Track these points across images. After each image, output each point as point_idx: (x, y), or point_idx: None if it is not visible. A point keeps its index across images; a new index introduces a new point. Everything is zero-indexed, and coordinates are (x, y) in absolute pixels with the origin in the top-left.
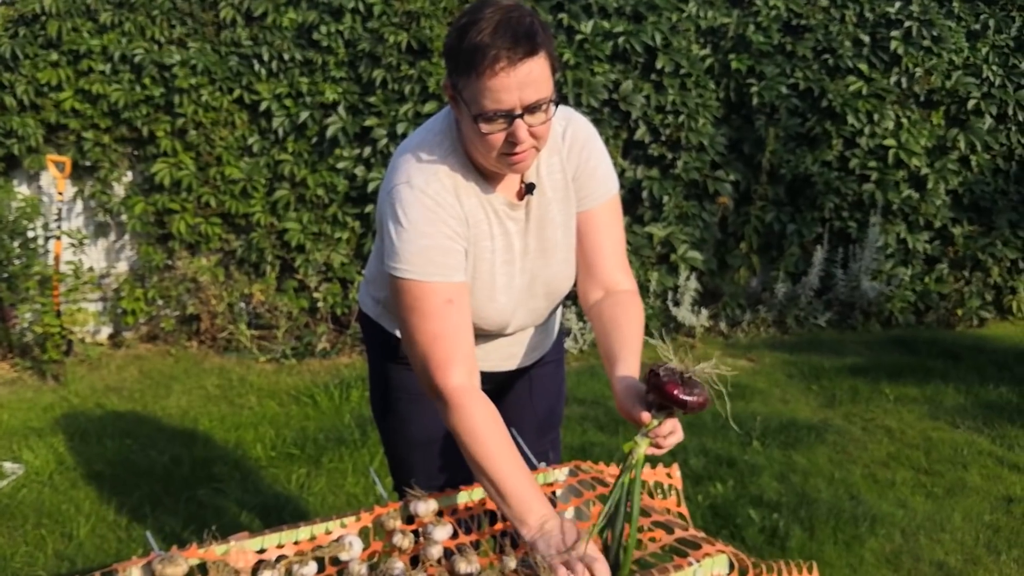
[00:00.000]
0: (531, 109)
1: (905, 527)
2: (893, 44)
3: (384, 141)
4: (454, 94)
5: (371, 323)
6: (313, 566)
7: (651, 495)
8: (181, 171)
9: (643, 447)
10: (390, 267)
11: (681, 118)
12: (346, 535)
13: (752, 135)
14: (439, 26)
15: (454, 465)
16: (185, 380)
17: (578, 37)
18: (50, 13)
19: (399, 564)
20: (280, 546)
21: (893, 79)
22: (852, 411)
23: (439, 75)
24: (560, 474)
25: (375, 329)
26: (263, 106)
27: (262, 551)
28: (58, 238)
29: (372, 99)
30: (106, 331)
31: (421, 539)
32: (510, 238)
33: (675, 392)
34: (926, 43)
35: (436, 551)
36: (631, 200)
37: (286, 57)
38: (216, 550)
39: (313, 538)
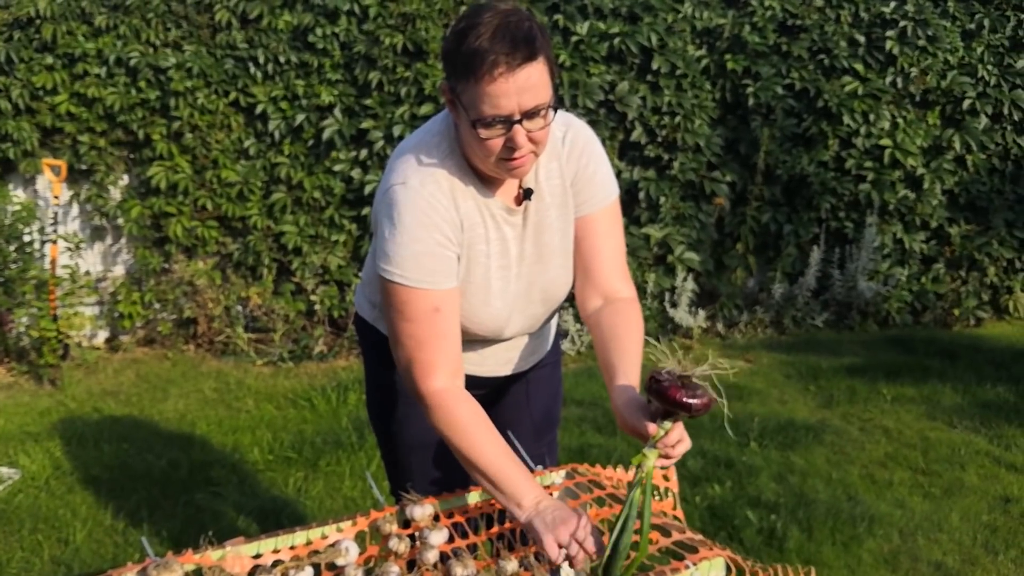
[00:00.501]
0: (530, 114)
1: (903, 527)
2: (888, 44)
3: (380, 143)
4: (452, 98)
5: (367, 327)
6: (309, 571)
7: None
8: (177, 174)
9: (652, 459)
10: (382, 268)
11: (677, 119)
12: (342, 540)
13: (748, 135)
14: (435, 28)
15: (451, 468)
16: (182, 384)
17: (574, 38)
18: (45, 16)
19: (395, 568)
20: (276, 551)
21: (889, 79)
22: (850, 411)
23: (435, 77)
24: (557, 477)
25: (371, 332)
26: (259, 109)
27: (258, 556)
28: (54, 242)
29: (368, 101)
30: (103, 335)
31: (418, 543)
32: (507, 243)
33: (679, 396)
34: (921, 43)
35: (432, 555)
36: (628, 201)
37: (282, 60)
38: (212, 555)
39: (309, 543)
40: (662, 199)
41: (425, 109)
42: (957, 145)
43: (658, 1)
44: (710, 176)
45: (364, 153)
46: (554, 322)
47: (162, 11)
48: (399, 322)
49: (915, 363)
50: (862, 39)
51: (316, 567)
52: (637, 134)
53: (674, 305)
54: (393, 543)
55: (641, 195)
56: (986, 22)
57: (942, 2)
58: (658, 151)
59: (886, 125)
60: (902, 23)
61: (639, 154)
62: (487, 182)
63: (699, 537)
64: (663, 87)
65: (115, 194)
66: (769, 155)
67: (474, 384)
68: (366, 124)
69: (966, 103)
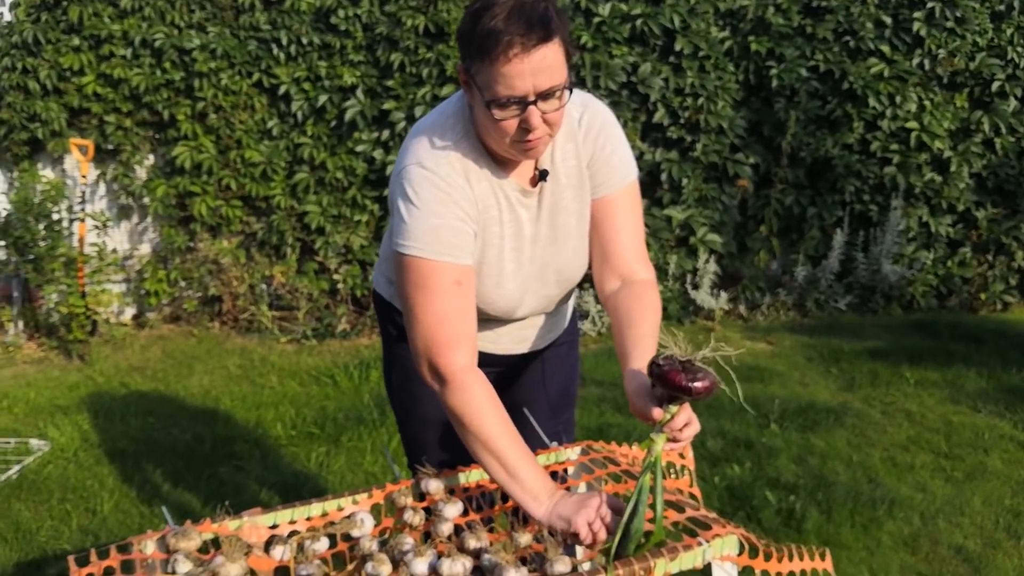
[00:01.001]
0: (545, 96)
1: (924, 511)
2: (916, 25)
3: (402, 124)
4: (467, 79)
5: (385, 304)
6: (325, 542)
7: (664, 475)
8: (202, 154)
9: (659, 444)
10: (399, 244)
11: (700, 101)
12: (358, 512)
13: (772, 118)
14: (456, 9)
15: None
16: (207, 360)
17: (596, 19)
18: None
19: (409, 540)
20: (292, 522)
21: (916, 61)
22: (872, 394)
23: (457, 58)
24: (572, 453)
25: (389, 310)
26: (282, 90)
27: (274, 527)
28: (82, 220)
29: (390, 82)
30: (130, 312)
31: (432, 516)
32: (520, 225)
33: (679, 380)
34: (949, 24)
35: (446, 528)
36: (650, 183)
37: (304, 41)
38: (229, 525)
39: (325, 514)
40: (684, 181)
41: (447, 90)
42: (985, 127)
43: None
44: (733, 158)
45: (386, 134)
46: (571, 301)
47: None
48: (418, 297)
49: (939, 347)
50: (888, 20)
51: (332, 538)
52: (659, 116)
53: (696, 287)
54: (408, 515)
55: (663, 177)
56: (1016, 3)
57: None
58: (681, 133)
59: (912, 107)
60: (930, 4)
61: (661, 136)
62: (502, 164)
63: (713, 515)
64: (686, 68)
65: (141, 174)
66: (793, 137)
67: (489, 362)
68: (388, 105)
69: (995, 85)
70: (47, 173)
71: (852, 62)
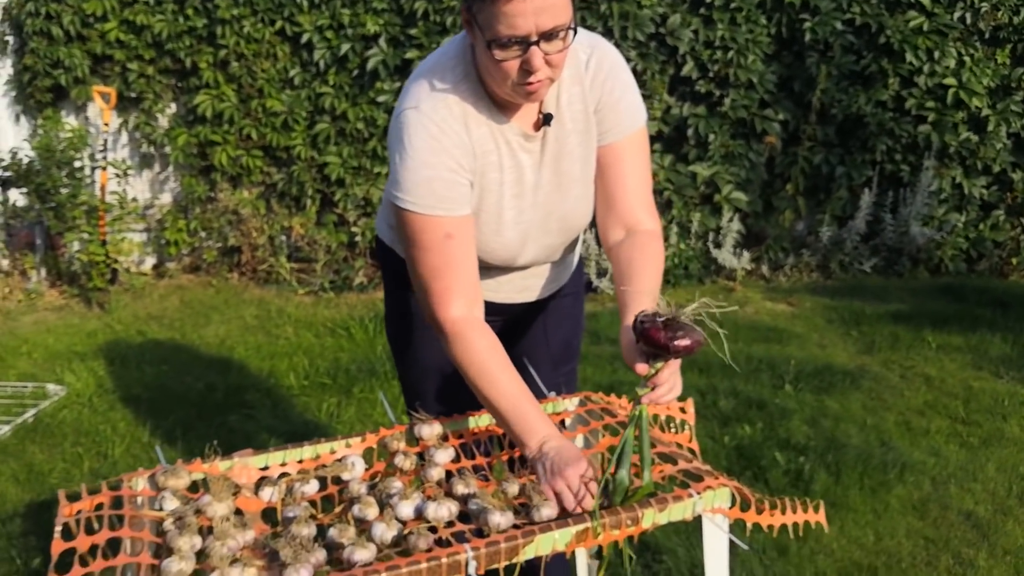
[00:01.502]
0: (547, 36)
1: (936, 476)
2: None
3: None
4: (469, 18)
5: (386, 249)
6: (314, 484)
7: (663, 429)
8: (223, 103)
9: (643, 398)
10: (393, 196)
11: (730, 54)
12: (349, 455)
13: (803, 73)
14: None
15: (464, 392)
16: (224, 310)
17: None
18: None
19: (398, 484)
20: (283, 464)
21: (957, 14)
22: (891, 358)
23: None
24: (570, 404)
25: (390, 255)
26: (304, 38)
27: (265, 468)
28: (104, 168)
29: (413, 31)
30: (150, 261)
31: (424, 462)
32: (522, 171)
33: (659, 337)
34: None
35: (436, 473)
36: (676, 138)
37: None
38: (220, 465)
39: (317, 457)
40: (711, 136)
41: None
42: None
43: None
44: (762, 114)
45: None
46: (577, 252)
47: None
48: (413, 251)
49: (965, 312)
50: None
51: (322, 481)
52: (688, 69)
53: (718, 246)
54: (399, 460)
55: (690, 132)
56: None
57: None
58: (709, 87)
59: (951, 63)
60: None
61: (689, 90)
62: (503, 107)
63: (706, 467)
64: (716, 21)
65: (162, 122)
66: (824, 93)
67: (490, 311)
68: (411, 54)
69: None
70: (70, 121)
71: (890, 15)
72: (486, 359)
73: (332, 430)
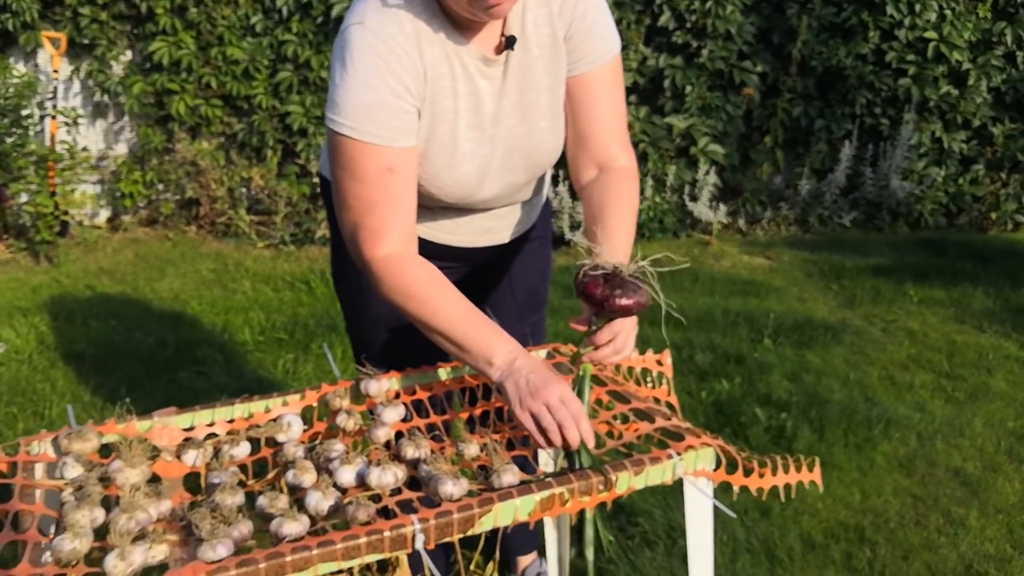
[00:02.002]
0: None
1: (921, 431)
2: None
3: None
4: None
5: (330, 186)
6: (245, 447)
7: (638, 383)
8: (181, 50)
9: (583, 359)
10: (330, 119)
11: (708, 4)
12: (286, 414)
13: (783, 24)
14: None
15: (421, 346)
16: (180, 264)
17: None
18: None
19: (339, 446)
20: (211, 424)
21: None
22: (872, 312)
23: None
24: (536, 356)
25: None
26: None
27: (190, 429)
28: (53, 117)
29: None
30: (104, 214)
31: (370, 421)
32: (480, 98)
33: (595, 292)
34: None
35: (383, 434)
36: (652, 89)
37: None
38: (137, 426)
39: (250, 416)
40: (688, 88)
41: None
42: (1008, 40)
43: None
44: (740, 66)
45: None
46: (544, 192)
47: None
48: (347, 182)
49: (946, 265)
50: None
51: (254, 442)
52: (665, 19)
53: (694, 199)
54: (342, 419)
55: (666, 83)
56: None
57: None
58: (686, 37)
59: (932, 17)
60: None
61: (666, 40)
62: (461, 27)
63: (686, 425)
64: None
65: (117, 70)
66: (804, 45)
67: (450, 256)
68: None
69: None
70: (19, 67)
71: None
72: (424, 286)
73: (288, 387)
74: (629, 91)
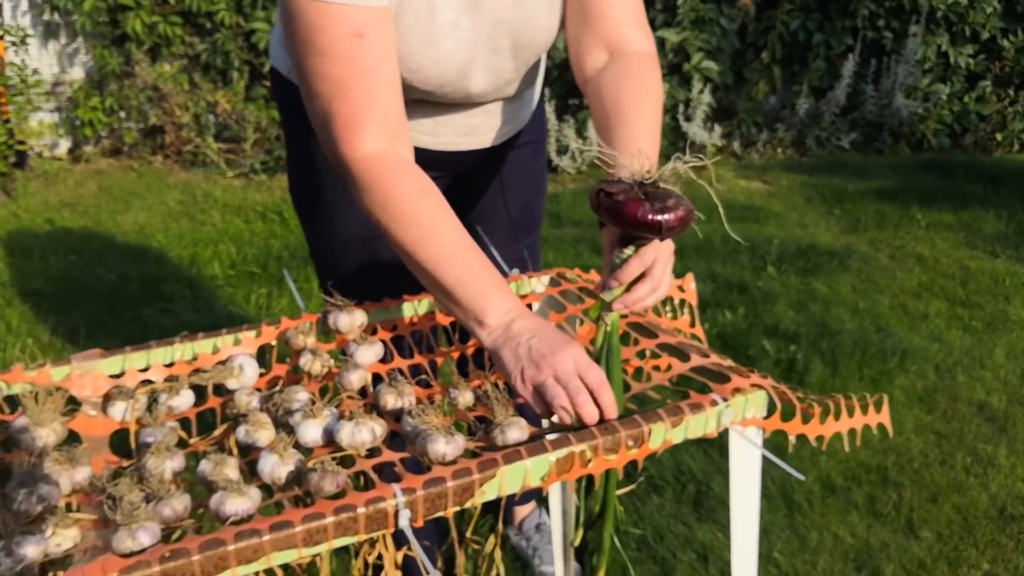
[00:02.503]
0: None
1: (940, 363)
2: None
3: None
4: None
5: (282, 82)
6: (187, 396)
7: (658, 313)
8: None
9: (611, 302)
10: None
11: None
12: (237, 356)
13: None
14: None
15: (401, 274)
16: (146, 196)
17: None
18: None
19: (303, 395)
20: (145, 369)
21: None
22: (879, 237)
23: None
24: (538, 284)
25: (288, 87)
26: None
27: (119, 376)
28: (1, 37)
29: None
30: (65, 145)
31: (340, 363)
32: None
33: (638, 212)
34: None
35: (357, 378)
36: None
37: None
38: (51, 373)
39: (194, 359)
40: (680, 0)
41: None
42: None
43: None
44: None
45: None
46: (537, 87)
47: None
48: (309, 60)
49: (953, 188)
50: None
51: (199, 390)
52: None
53: (688, 119)
54: (305, 361)
55: None
56: None
57: None
58: None
59: None
60: None
61: None
62: None
63: (729, 363)
64: None
65: None
66: None
67: (428, 163)
68: None
69: None
70: None
71: None
72: (412, 207)
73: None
74: None
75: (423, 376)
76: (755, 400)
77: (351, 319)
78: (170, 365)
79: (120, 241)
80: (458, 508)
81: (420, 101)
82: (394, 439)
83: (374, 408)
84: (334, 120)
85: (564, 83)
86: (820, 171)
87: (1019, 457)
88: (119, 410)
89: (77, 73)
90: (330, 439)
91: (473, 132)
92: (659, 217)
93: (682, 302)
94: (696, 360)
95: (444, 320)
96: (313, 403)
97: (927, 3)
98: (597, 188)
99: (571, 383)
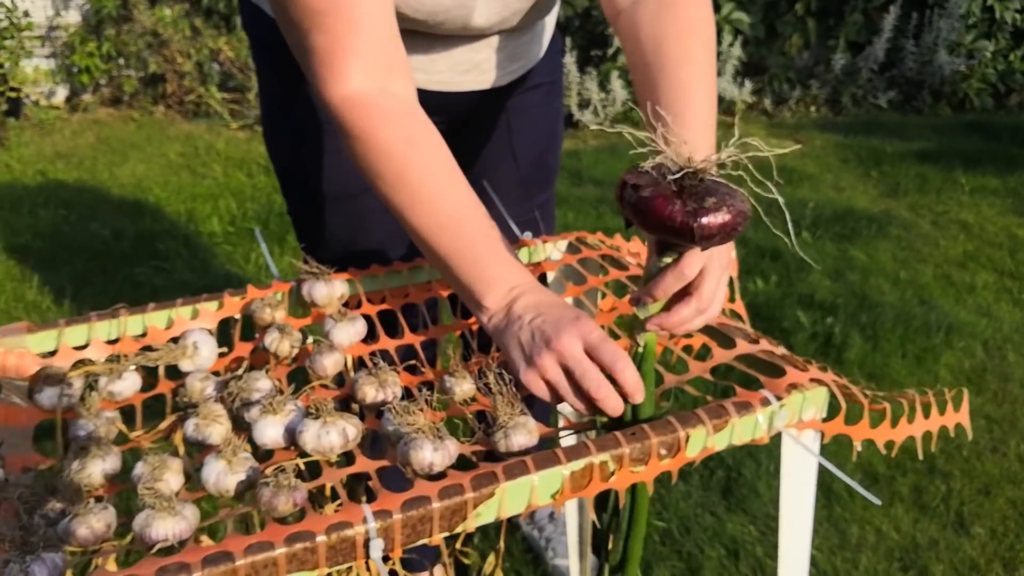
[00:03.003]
0: None
1: (988, 339)
2: None
3: None
4: None
5: (255, 12)
6: (132, 380)
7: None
8: None
9: (643, 320)
10: None
11: None
12: (192, 331)
13: None
14: None
15: (394, 236)
16: (145, 147)
17: None
18: None
19: (265, 383)
20: (83, 347)
21: None
22: (920, 202)
23: None
24: (554, 249)
25: (260, 22)
26: None
27: (51, 354)
28: None
29: None
30: (62, 93)
31: (314, 343)
32: None
33: (667, 211)
34: None
35: (332, 363)
36: None
37: None
38: None
39: (143, 335)
40: None
41: None
42: None
43: None
44: None
45: None
46: (551, 17)
47: None
48: None
49: (999, 151)
50: None
51: (152, 373)
52: None
53: (718, 74)
54: (271, 340)
55: None
56: None
57: None
58: None
59: None
60: None
61: None
62: None
63: (782, 350)
64: None
65: None
66: None
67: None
68: None
69: None
70: None
71: None
72: (401, 161)
73: (260, 285)
74: None
75: (416, 361)
76: (814, 399)
77: (329, 290)
78: (114, 342)
79: (115, 195)
80: (446, 535)
81: (411, 32)
82: (376, 442)
83: (352, 401)
84: (312, 56)
85: (586, 33)
86: (856, 131)
87: None
88: (48, 397)
89: (73, 17)
90: (293, 440)
91: (474, 69)
92: (692, 221)
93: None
94: (743, 347)
95: (444, 292)
96: (278, 393)
97: None
98: (623, 179)
99: (581, 366)
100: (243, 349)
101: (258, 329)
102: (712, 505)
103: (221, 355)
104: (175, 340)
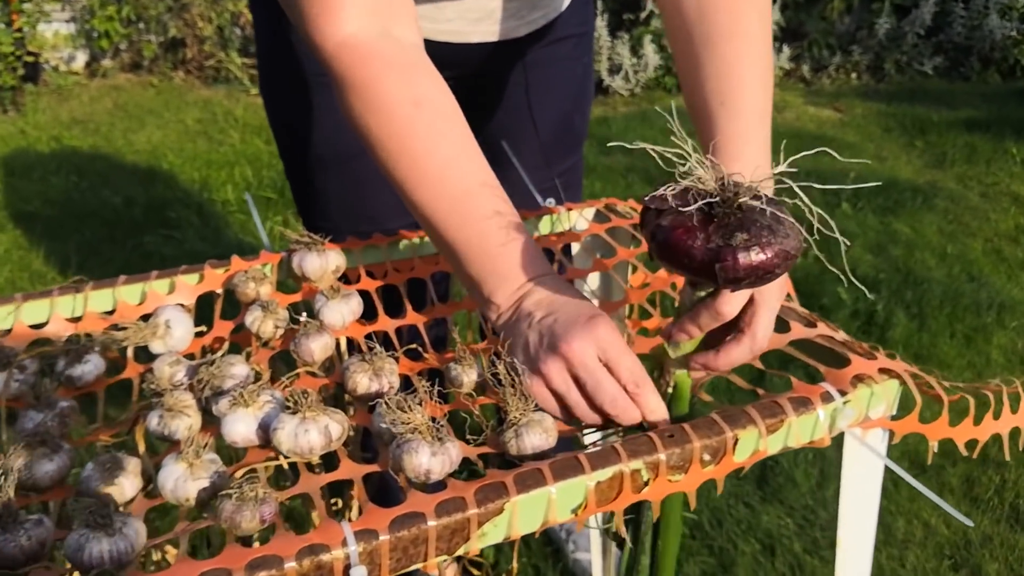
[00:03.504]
0: None
1: None
2: None
3: None
4: None
5: None
6: (94, 364)
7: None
8: None
9: (676, 361)
10: None
11: None
12: (166, 307)
13: None
14: None
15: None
16: (163, 113)
17: None
18: None
19: (240, 368)
20: (40, 326)
21: None
22: (968, 173)
23: None
24: (580, 218)
25: None
26: None
27: (6, 333)
28: None
29: None
30: (82, 58)
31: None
32: None
33: (688, 244)
34: None
35: (320, 346)
36: None
37: None
38: None
39: (111, 312)
40: None
41: None
42: None
43: None
44: None
45: None
46: None
47: None
48: None
49: None
50: None
51: (121, 353)
52: None
53: None
54: (252, 319)
55: None
56: None
57: None
58: None
59: None
60: None
61: None
62: None
63: (843, 336)
64: None
65: None
66: None
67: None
68: None
69: None
70: None
71: None
72: (403, 125)
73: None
74: None
75: (419, 345)
76: (884, 393)
77: (322, 261)
78: (78, 319)
79: (129, 161)
80: (444, 557)
81: None
82: (369, 440)
83: (339, 391)
84: (304, 2)
85: None
86: (899, 99)
87: None
88: None
89: None
90: (267, 439)
91: (487, 18)
92: (714, 260)
93: None
94: (798, 331)
95: (449, 267)
96: (255, 381)
97: None
98: (645, 204)
99: (593, 381)
100: (224, 329)
101: (242, 306)
102: (746, 495)
103: (199, 335)
104: (145, 318)
